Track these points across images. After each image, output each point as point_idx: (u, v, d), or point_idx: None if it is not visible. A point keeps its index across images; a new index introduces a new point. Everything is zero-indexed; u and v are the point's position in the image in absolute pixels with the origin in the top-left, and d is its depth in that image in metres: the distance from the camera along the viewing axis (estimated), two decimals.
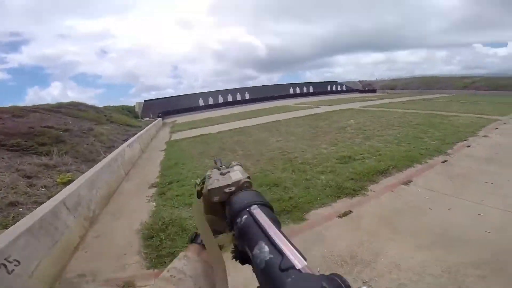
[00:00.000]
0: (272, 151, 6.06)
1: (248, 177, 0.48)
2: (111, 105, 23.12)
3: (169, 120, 20.61)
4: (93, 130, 10.06)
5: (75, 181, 3.86)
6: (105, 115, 14.95)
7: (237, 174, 0.49)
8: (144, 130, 10.78)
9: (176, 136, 10.73)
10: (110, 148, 8.23)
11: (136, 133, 9.80)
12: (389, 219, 2.87)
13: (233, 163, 0.57)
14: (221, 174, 0.50)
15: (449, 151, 5.08)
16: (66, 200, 3.09)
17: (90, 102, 16.30)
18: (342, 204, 3.25)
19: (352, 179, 3.85)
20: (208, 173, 0.52)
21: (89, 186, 3.82)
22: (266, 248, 0.30)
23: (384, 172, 4.04)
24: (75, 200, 3.29)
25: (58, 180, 4.60)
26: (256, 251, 0.30)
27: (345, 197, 3.41)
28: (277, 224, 0.34)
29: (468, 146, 5.32)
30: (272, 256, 0.28)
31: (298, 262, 0.26)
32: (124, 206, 4.08)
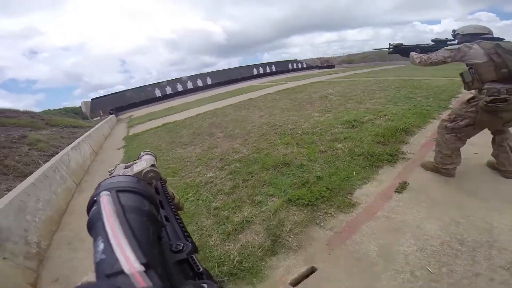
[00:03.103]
0: (260, 126, 5.06)
1: (153, 165, 0.45)
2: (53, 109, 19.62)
3: (124, 116, 18.09)
4: (27, 138, 7.88)
5: None
6: (43, 119, 12.21)
7: (141, 164, 0.45)
8: (94, 128, 8.82)
9: (135, 130, 9.04)
10: (52, 157, 6.47)
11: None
12: (460, 183, 2.18)
13: (142, 153, 0.54)
14: (126, 167, 0.46)
15: (450, 106, 4.67)
16: None
17: (28, 109, 13.14)
18: (388, 176, 2.46)
19: (378, 142, 3.08)
20: (110, 169, 0.47)
21: (17, 211, 2.57)
22: (101, 246, 0.23)
23: (407, 131, 3.36)
24: None
25: None
26: (94, 250, 0.23)
27: (385, 165, 2.63)
28: (141, 216, 0.28)
29: None
30: (104, 256, 0.22)
31: (129, 265, 0.20)
32: (82, 229, 2.84)
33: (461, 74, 2.07)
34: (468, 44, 1.95)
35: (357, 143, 3.14)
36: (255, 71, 30.72)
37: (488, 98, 1.89)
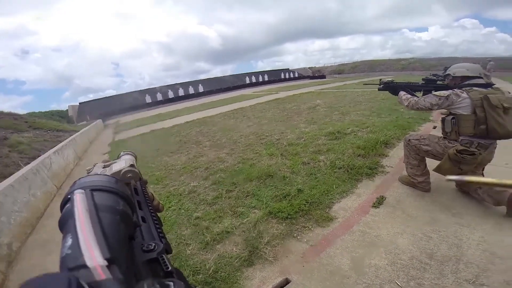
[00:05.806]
0: (247, 136, 5.10)
1: (132, 165, 0.44)
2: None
3: (112, 121, 17.77)
4: (8, 140, 7.62)
5: None
6: (26, 122, 11.85)
7: (120, 164, 0.44)
8: (79, 132, 8.62)
9: (122, 136, 8.91)
10: (34, 159, 6.28)
11: None
12: (435, 198, 2.26)
13: (122, 153, 0.53)
14: (105, 167, 0.45)
15: (431, 118, 4.89)
16: None
17: (13, 111, 12.67)
18: (366, 189, 2.52)
19: (359, 155, 3.17)
20: (88, 167, 0.47)
21: None
22: (69, 242, 0.23)
23: (387, 143, 3.49)
24: None
25: None
26: (61, 245, 0.23)
27: (364, 179, 2.70)
28: (113, 215, 0.28)
29: None
30: (70, 251, 0.22)
31: (93, 259, 0.20)
32: (58, 233, 2.71)
33: (442, 121, 2.10)
34: (458, 91, 1.92)
35: (339, 155, 3.22)
36: (247, 80, 30.94)
37: (459, 148, 1.90)
